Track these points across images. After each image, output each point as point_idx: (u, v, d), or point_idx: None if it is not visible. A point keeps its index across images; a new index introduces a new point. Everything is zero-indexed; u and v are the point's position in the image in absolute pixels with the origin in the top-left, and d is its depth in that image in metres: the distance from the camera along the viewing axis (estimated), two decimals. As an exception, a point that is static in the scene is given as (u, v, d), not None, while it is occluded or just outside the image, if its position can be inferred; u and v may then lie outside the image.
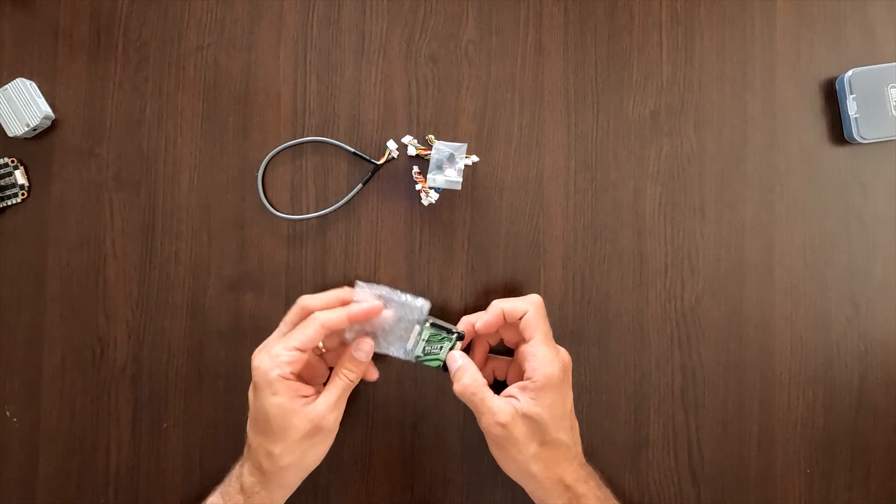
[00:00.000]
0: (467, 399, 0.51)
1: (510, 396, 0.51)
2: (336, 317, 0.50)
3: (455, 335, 0.53)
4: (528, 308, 0.52)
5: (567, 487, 0.50)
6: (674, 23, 0.60)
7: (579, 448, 0.53)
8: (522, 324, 0.52)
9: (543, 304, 0.53)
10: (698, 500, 0.59)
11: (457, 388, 0.52)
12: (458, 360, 0.52)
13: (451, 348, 0.53)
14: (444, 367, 0.54)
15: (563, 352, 0.53)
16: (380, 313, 0.52)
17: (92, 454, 0.59)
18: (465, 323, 0.55)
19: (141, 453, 0.59)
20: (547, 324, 0.52)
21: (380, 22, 0.60)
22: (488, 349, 0.57)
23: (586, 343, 0.59)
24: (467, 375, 0.52)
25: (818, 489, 0.59)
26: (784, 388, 0.59)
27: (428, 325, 0.52)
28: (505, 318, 0.53)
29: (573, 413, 0.53)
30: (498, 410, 0.50)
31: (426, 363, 0.53)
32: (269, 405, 0.49)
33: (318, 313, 0.50)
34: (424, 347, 0.53)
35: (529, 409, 0.49)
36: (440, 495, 0.59)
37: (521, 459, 0.50)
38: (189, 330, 0.59)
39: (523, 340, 0.52)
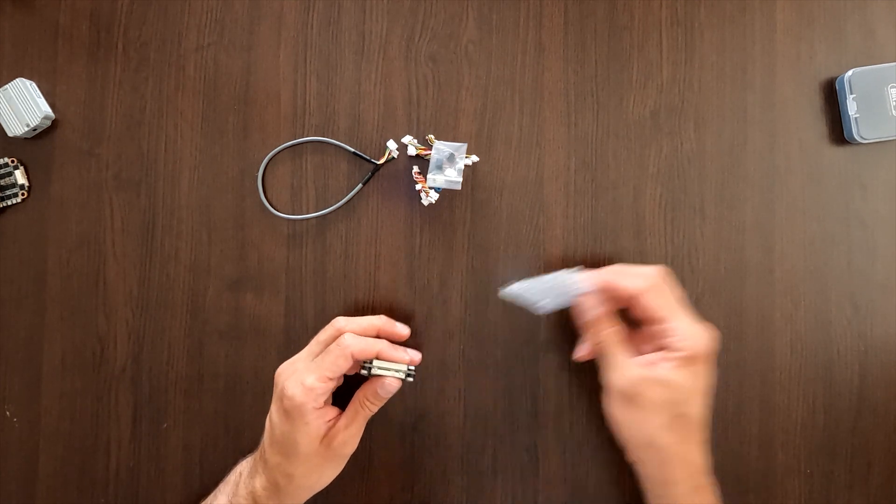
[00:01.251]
0: (598, 348, 0.49)
1: (648, 363, 0.48)
2: (367, 349, 0.51)
3: (406, 373, 0.52)
4: (640, 290, 0.47)
5: (695, 470, 0.47)
6: (674, 23, 0.60)
7: (707, 442, 0.49)
8: (642, 307, 0.48)
9: (663, 277, 0.48)
10: (698, 500, 0.59)
11: (593, 340, 0.49)
12: (597, 308, 0.49)
13: (404, 378, 0.53)
14: (407, 375, 0.53)
15: (711, 330, 0.49)
16: (409, 357, 0.52)
17: (92, 454, 0.59)
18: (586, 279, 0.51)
19: (141, 453, 0.59)
20: (673, 296, 0.48)
21: (380, 22, 0.60)
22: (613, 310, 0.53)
23: (586, 343, 0.59)
24: (604, 325, 0.49)
25: (818, 489, 0.59)
26: (784, 388, 0.59)
27: (374, 365, 0.52)
28: (611, 294, 0.49)
29: (708, 401, 0.49)
30: (631, 366, 0.47)
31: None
32: (300, 433, 0.49)
33: (349, 342, 0.50)
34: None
35: (668, 376, 0.46)
36: (440, 495, 0.59)
37: (649, 428, 0.47)
38: (189, 330, 0.59)
39: (655, 319, 0.48)
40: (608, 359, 0.49)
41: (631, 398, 0.48)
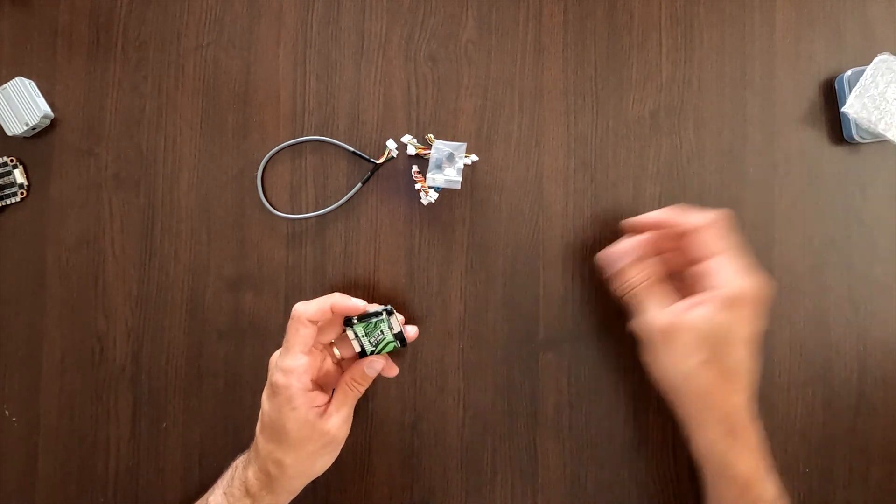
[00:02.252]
0: (632, 295, 0.48)
1: (689, 304, 0.46)
2: (320, 307, 0.51)
3: (384, 311, 0.53)
4: (706, 222, 0.45)
5: (730, 413, 0.45)
6: (673, 22, 0.60)
7: (751, 391, 0.47)
8: (695, 243, 0.46)
9: (727, 221, 0.47)
10: (698, 499, 0.59)
11: (622, 288, 0.48)
12: (620, 254, 0.48)
13: (389, 326, 0.53)
14: (402, 344, 0.54)
15: (763, 279, 0.47)
16: (362, 307, 0.52)
17: (92, 454, 0.59)
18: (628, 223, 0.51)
19: (140, 453, 0.59)
20: (733, 241, 0.46)
21: (379, 21, 0.60)
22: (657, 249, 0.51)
23: (586, 343, 0.59)
24: (628, 265, 0.48)
25: (817, 489, 0.59)
26: (784, 388, 0.59)
27: (355, 321, 0.53)
28: (669, 225, 0.48)
29: (754, 348, 0.47)
30: (669, 306, 0.46)
31: (385, 351, 0.54)
32: (288, 419, 0.49)
33: (300, 309, 0.51)
34: (371, 341, 0.53)
35: (707, 315, 0.44)
36: (440, 495, 0.59)
37: (686, 364, 0.45)
38: (189, 329, 0.59)
39: (703, 258, 0.46)
40: (644, 304, 0.47)
41: (669, 335, 0.46)
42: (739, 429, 0.46)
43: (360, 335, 0.53)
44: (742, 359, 0.46)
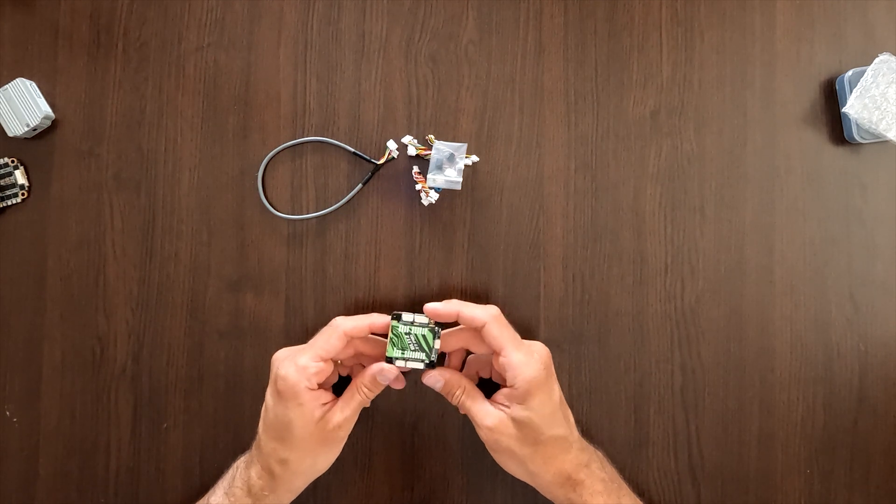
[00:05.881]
0: (461, 409, 0.52)
1: (498, 403, 0.51)
2: (358, 325, 0.51)
3: (436, 325, 0.52)
4: (487, 320, 0.51)
5: (568, 477, 0.51)
6: (674, 23, 0.60)
7: (575, 433, 0.53)
8: (486, 337, 0.51)
9: (501, 313, 0.52)
10: (698, 499, 0.59)
11: (451, 402, 0.53)
12: (440, 380, 0.52)
13: (433, 343, 0.52)
14: (431, 365, 0.52)
15: (538, 346, 0.52)
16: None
17: (92, 454, 0.59)
18: (427, 310, 0.53)
19: (141, 453, 0.59)
20: (510, 329, 0.52)
21: (380, 22, 0.60)
22: (464, 354, 0.57)
23: (586, 343, 0.59)
24: (454, 387, 0.52)
25: (818, 489, 0.59)
26: (784, 388, 0.59)
27: (403, 318, 0.52)
28: (459, 321, 0.52)
29: (563, 401, 0.53)
30: (487, 416, 0.50)
31: (409, 365, 0.52)
32: (294, 416, 0.49)
33: (340, 321, 0.51)
34: (402, 348, 0.52)
35: (518, 414, 0.50)
36: (440, 495, 0.59)
37: (519, 461, 0.51)
38: (189, 330, 0.59)
39: (495, 353, 0.51)
40: (470, 415, 0.52)
41: (497, 449, 0.51)
42: (583, 476, 0.51)
43: (401, 337, 0.52)
44: (560, 424, 0.51)
